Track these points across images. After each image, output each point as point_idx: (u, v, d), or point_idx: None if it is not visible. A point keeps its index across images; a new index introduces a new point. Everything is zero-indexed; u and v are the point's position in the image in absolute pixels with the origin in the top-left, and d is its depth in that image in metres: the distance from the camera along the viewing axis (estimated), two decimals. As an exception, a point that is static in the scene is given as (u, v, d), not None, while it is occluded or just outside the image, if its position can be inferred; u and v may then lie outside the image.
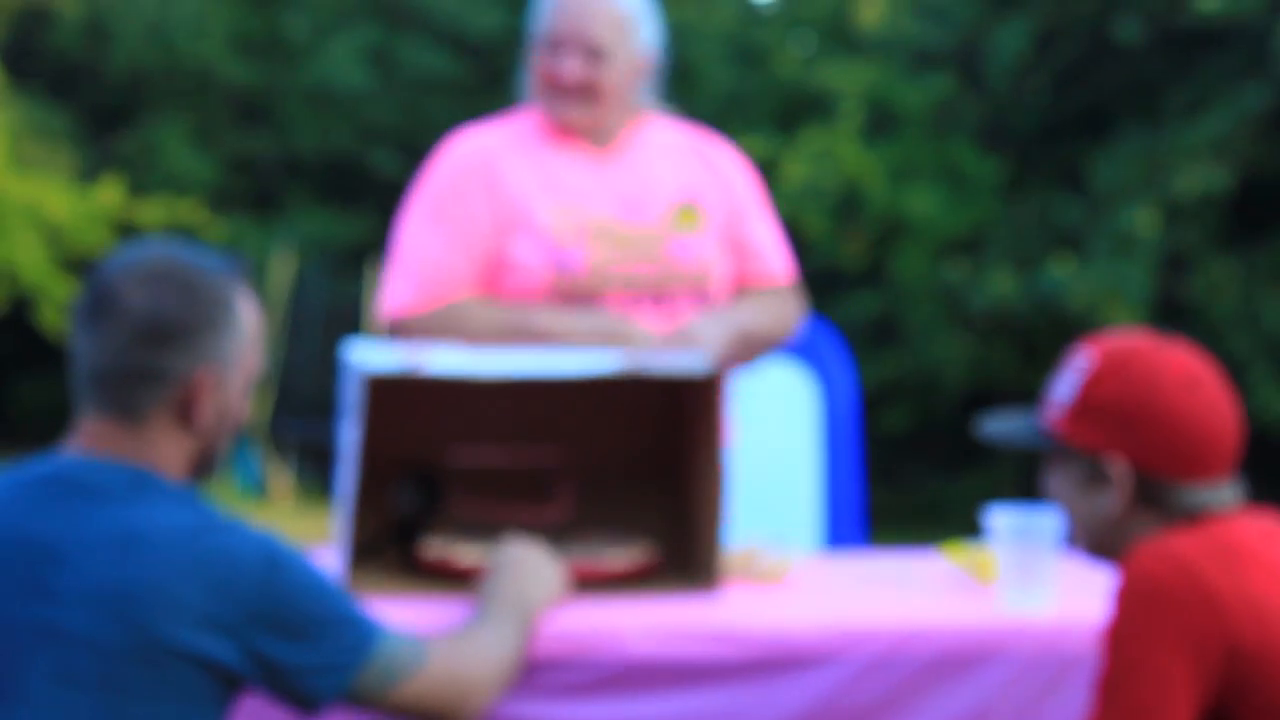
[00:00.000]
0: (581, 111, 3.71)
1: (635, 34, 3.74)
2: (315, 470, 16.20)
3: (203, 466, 2.63)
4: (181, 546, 2.47)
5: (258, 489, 15.50)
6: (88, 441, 2.57)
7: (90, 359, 2.56)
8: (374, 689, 2.58)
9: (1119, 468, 2.60)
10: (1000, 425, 2.78)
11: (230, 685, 2.52)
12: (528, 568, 2.95)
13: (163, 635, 2.43)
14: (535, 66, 3.75)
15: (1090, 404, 2.63)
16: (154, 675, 2.43)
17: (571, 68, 3.68)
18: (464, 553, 3.20)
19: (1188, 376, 2.62)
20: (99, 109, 19.86)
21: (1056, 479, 2.71)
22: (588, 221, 3.67)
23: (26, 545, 2.48)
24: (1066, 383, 2.67)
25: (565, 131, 3.75)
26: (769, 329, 3.76)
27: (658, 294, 3.68)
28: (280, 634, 2.50)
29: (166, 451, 2.57)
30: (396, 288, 3.67)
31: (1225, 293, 13.16)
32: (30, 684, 2.43)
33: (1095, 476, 2.64)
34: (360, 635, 2.57)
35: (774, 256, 3.88)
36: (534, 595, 2.89)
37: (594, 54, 3.68)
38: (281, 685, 2.54)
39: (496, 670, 2.72)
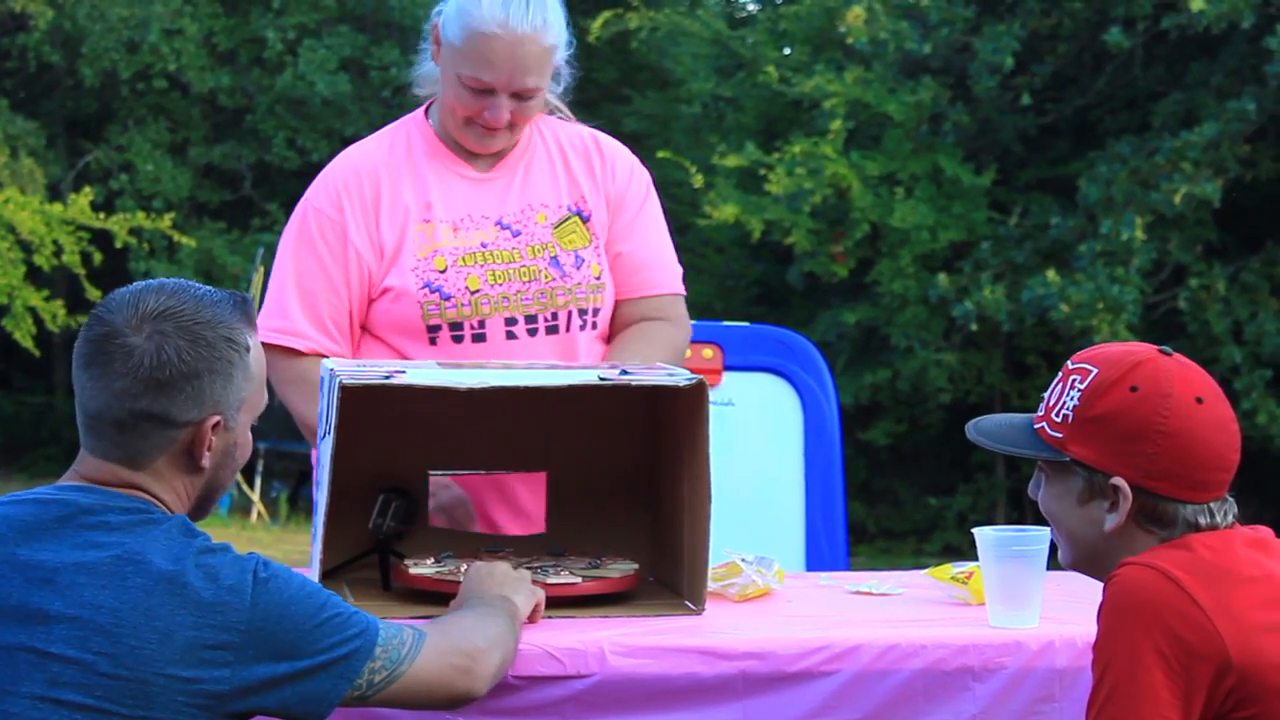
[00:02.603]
0: (502, 140, 3.65)
1: (556, 58, 3.66)
2: (290, 489, 16.19)
3: (205, 502, 2.65)
4: (171, 575, 2.48)
5: (233, 507, 15.49)
6: (90, 475, 2.57)
7: (93, 401, 2.56)
8: (383, 676, 2.57)
9: (1123, 485, 2.55)
10: (995, 428, 2.74)
11: (223, 715, 2.48)
12: (498, 574, 2.95)
13: (151, 663, 2.43)
14: (456, 94, 3.61)
15: (1095, 418, 2.57)
16: (142, 701, 2.42)
17: (505, 114, 3.60)
18: (442, 571, 3.16)
19: (1197, 393, 2.56)
20: (71, 118, 19.85)
21: (1050, 491, 2.65)
22: (465, 245, 3.61)
23: (20, 568, 2.48)
24: (1068, 393, 2.62)
25: (453, 149, 3.68)
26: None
27: (540, 313, 3.64)
28: (276, 649, 2.50)
29: (171, 490, 2.59)
30: (270, 315, 3.60)
31: (1214, 303, 13.16)
32: (16, 704, 2.42)
33: (1094, 491, 2.59)
34: (358, 628, 2.58)
35: (663, 266, 3.81)
36: (512, 597, 2.88)
37: (524, 97, 3.61)
38: (285, 700, 2.50)
39: (497, 640, 2.71)
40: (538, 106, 3.66)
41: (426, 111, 3.75)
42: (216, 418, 2.58)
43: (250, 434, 2.70)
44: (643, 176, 3.82)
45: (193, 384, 2.55)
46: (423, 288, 3.59)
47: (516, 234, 3.66)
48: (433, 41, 3.68)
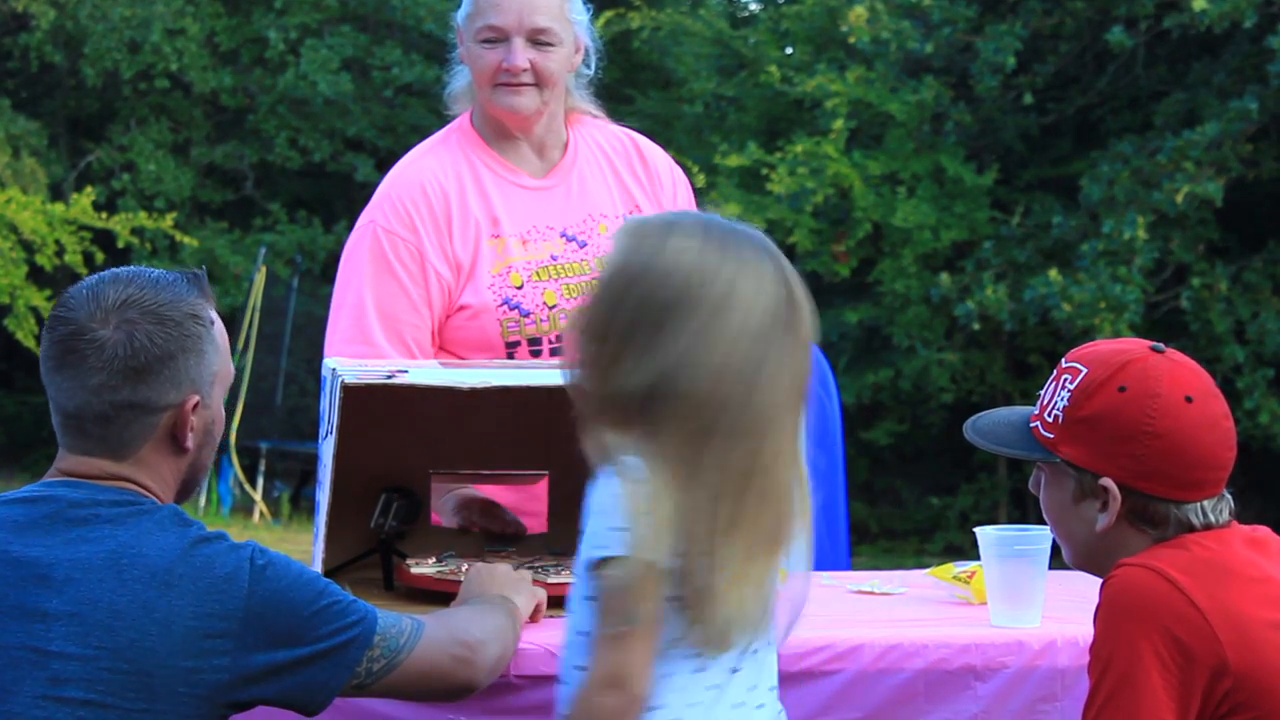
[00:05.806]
0: (531, 99, 3.63)
1: (572, 14, 3.67)
2: (292, 489, 16.17)
3: (190, 485, 2.63)
4: (168, 565, 2.47)
5: (235, 506, 15.48)
6: (74, 470, 2.56)
7: (70, 400, 2.54)
8: (382, 665, 2.56)
9: (1111, 486, 2.55)
10: (992, 426, 2.73)
11: (224, 705, 2.48)
12: (499, 575, 2.94)
13: (152, 655, 2.42)
14: (477, 61, 3.64)
15: (1083, 419, 2.56)
16: (144, 694, 2.42)
17: (522, 59, 3.59)
18: (443, 570, 3.16)
19: (1186, 392, 2.55)
20: (73, 118, 19.84)
21: (1047, 489, 2.64)
22: (535, 260, 3.61)
23: (16, 567, 2.47)
24: (1059, 393, 2.61)
25: (505, 138, 3.66)
26: None
27: None
28: (274, 636, 2.49)
29: (158, 477, 2.57)
30: (352, 340, 3.56)
31: (1216, 303, 13.16)
32: (18, 703, 2.42)
33: (1086, 491, 2.58)
34: (357, 615, 2.57)
35: None
36: (513, 597, 2.88)
37: (541, 41, 3.61)
38: (285, 689, 2.50)
39: (496, 633, 2.70)
40: (559, 61, 3.64)
41: (471, 119, 3.74)
42: (195, 397, 2.58)
43: (223, 409, 2.69)
44: (682, 179, 3.86)
45: (169, 366, 2.55)
46: (501, 305, 3.59)
47: (583, 245, 3.67)
48: (459, 42, 3.71)
